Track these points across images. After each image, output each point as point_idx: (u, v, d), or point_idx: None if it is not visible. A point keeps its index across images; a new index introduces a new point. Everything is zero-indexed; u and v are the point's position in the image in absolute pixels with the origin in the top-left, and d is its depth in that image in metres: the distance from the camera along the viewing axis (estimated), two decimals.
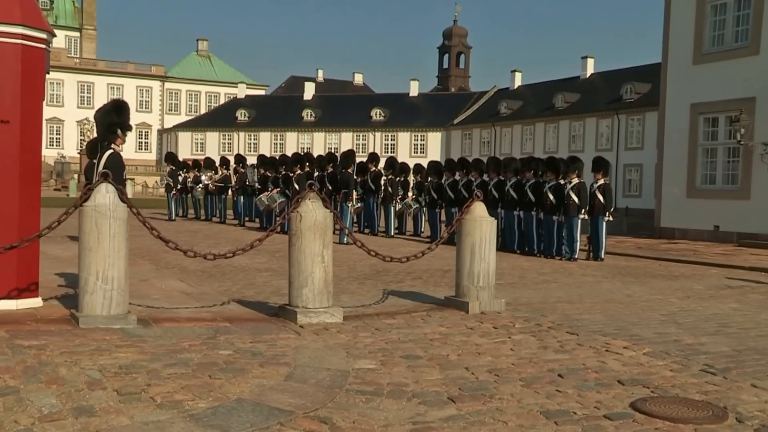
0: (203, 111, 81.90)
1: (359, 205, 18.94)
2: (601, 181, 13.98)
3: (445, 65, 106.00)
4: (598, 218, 13.82)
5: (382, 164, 19.88)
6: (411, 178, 20.53)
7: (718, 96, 18.44)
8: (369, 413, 4.02)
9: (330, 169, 17.75)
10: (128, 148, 68.17)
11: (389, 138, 68.21)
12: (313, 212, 6.58)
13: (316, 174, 17.80)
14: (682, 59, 19.78)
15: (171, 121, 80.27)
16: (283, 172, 18.71)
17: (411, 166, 20.91)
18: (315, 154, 22.35)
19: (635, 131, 50.28)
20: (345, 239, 14.60)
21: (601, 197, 13.81)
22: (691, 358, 5.55)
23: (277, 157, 21.78)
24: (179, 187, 24.72)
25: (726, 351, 5.88)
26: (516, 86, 66.09)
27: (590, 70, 60.19)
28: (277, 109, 73.45)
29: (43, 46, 6.47)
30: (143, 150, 79.74)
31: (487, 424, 3.93)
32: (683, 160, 19.56)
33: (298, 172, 17.40)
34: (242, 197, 22.58)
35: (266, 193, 19.09)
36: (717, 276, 11.64)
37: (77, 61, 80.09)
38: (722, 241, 17.81)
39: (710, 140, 19.22)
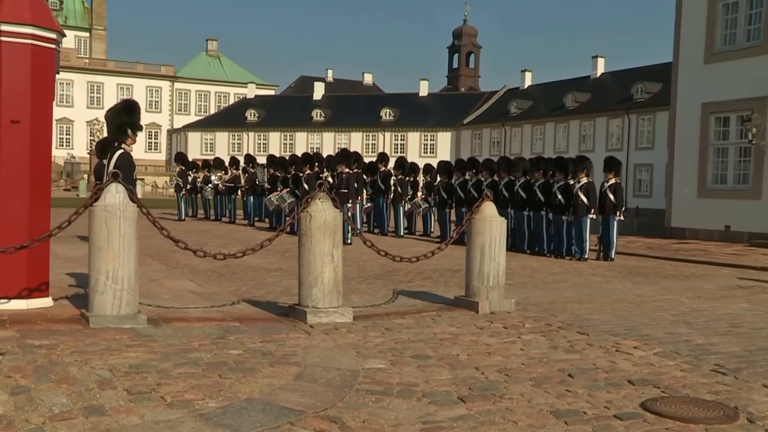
0: (213, 111, 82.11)
1: (369, 205, 18.95)
2: (612, 181, 13.93)
3: (455, 65, 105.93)
4: (609, 218, 13.77)
5: (391, 164, 19.89)
6: (420, 178, 20.52)
7: (730, 95, 18.34)
8: (379, 413, 4.01)
9: (339, 170, 17.73)
10: (138, 149, 68.01)
11: (399, 138, 68.18)
12: (323, 212, 6.58)
13: (325, 174, 17.80)
14: (693, 58, 19.69)
15: (180, 121, 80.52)
16: (293, 172, 18.73)
17: (420, 166, 20.90)
18: (325, 154, 22.37)
19: (646, 131, 50.09)
20: (349, 238, 14.57)
21: (612, 197, 13.76)
22: (701, 358, 5.52)
23: (287, 157, 21.80)
24: (189, 187, 24.79)
25: (737, 351, 5.84)
26: (526, 86, 65.96)
27: (601, 69, 60.01)
28: (286, 109, 73.57)
29: (53, 46, 6.49)
30: (153, 150, 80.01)
31: (497, 423, 3.92)
32: (694, 159, 19.47)
33: (308, 172, 17.40)
34: (252, 197, 22.61)
35: (276, 193, 19.11)
36: (728, 276, 11.58)
37: (87, 61, 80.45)
38: (733, 241, 17.71)
39: (721, 140, 19.12)
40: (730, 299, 8.97)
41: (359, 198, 16.48)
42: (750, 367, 5.30)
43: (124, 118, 7.95)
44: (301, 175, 17.75)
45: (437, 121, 67.53)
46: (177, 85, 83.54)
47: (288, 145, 68.47)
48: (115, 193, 5.89)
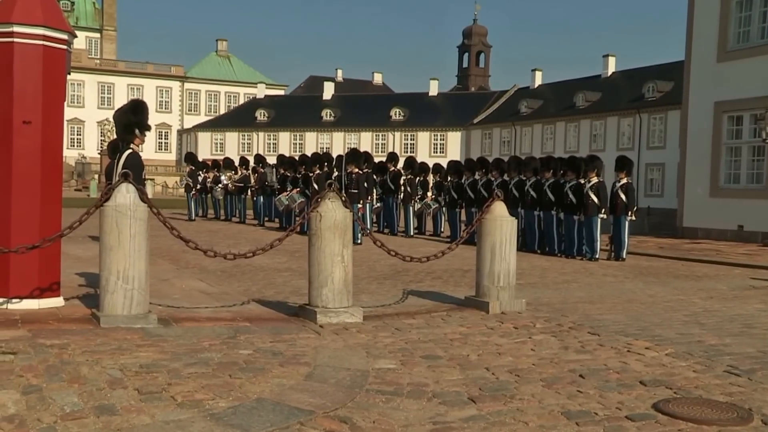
0: (223, 111, 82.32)
1: (378, 205, 18.94)
2: (624, 180, 13.85)
3: (465, 64, 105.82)
4: (620, 218, 13.70)
5: (401, 164, 19.87)
6: (430, 178, 20.50)
7: (743, 94, 18.21)
8: (389, 413, 4.00)
9: (349, 170, 17.73)
10: (148, 149, 68.86)
11: (409, 138, 68.16)
12: (333, 212, 6.57)
13: (335, 174, 17.79)
14: (705, 57, 19.57)
15: (191, 121, 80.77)
16: (303, 172, 18.74)
17: (430, 165, 20.87)
18: (334, 154, 22.39)
19: (657, 130, 49.87)
20: (359, 238, 14.57)
21: (623, 196, 13.69)
22: (714, 359, 5.47)
23: (297, 157, 21.82)
24: (199, 187, 24.84)
25: (751, 352, 5.79)
26: (536, 85, 65.80)
27: (612, 68, 59.79)
28: (296, 109, 73.66)
29: (64, 47, 6.51)
30: (163, 150, 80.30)
31: (508, 424, 3.90)
32: (706, 159, 19.35)
33: (318, 171, 17.42)
34: (262, 197, 22.64)
35: (285, 193, 19.12)
36: (741, 276, 11.49)
37: (98, 62, 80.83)
38: (746, 241, 17.59)
39: (734, 139, 19.00)
40: (744, 300, 8.91)
41: (369, 198, 16.48)
42: (764, 368, 5.25)
43: (131, 118, 7.96)
44: (310, 175, 17.76)
45: (447, 120, 67.46)
46: (187, 85, 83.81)
47: (298, 145, 68.59)
48: (125, 193, 5.90)
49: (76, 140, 75.98)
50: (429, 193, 19.98)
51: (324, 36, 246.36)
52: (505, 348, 5.72)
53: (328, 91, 76.11)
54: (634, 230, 15.71)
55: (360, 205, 15.39)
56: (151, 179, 49.10)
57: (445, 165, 19.78)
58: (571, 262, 13.06)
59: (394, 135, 68.44)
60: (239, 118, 74.86)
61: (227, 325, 6.12)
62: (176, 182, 53.96)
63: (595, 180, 13.67)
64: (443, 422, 3.89)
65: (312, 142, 68.55)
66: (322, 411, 3.94)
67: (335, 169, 18.11)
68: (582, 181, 13.79)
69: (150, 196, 7.04)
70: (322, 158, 18.72)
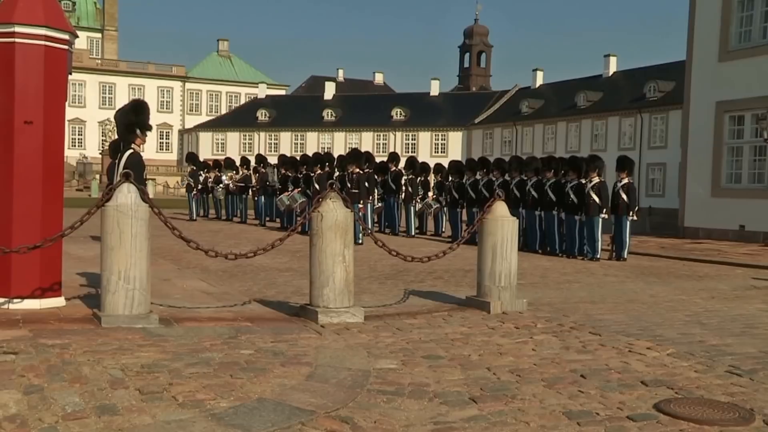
0: (224, 111, 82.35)
1: (380, 204, 18.94)
2: (625, 180, 13.85)
3: (466, 64, 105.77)
4: (622, 218, 13.70)
5: (402, 164, 19.87)
6: (431, 178, 20.50)
7: (744, 94, 18.20)
8: (390, 413, 4.00)
9: (350, 170, 17.72)
10: (149, 149, 68.90)
11: (410, 137, 68.14)
12: (334, 212, 6.57)
13: (336, 174, 17.79)
14: (707, 56, 19.55)
15: (192, 121, 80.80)
16: (304, 172, 18.74)
17: (432, 165, 20.88)
18: (336, 154, 22.41)
19: (659, 130, 49.81)
20: (360, 238, 14.57)
21: (625, 196, 13.68)
22: (716, 359, 5.47)
23: (298, 157, 21.82)
24: (200, 187, 24.86)
25: (752, 352, 5.78)
26: (537, 85, 65.75)
27: (613, 68, 59.72)
28: (297, 109, 73.65)
29: (66, 47, 6.51)
30: (164, 150, 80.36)
31: (509, 424, 3.89)
32: (708, 158, 19.34)
33: (319, 171, 17.42)
34: (263, 197, 22.66)
35: (287, 193, 19.13)
36: (742, 276, 11.49)
37: (99, 62, 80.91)
38: (748, 241, 17.58)
39: (736, 138, 18.99)
40: (745, 300, 8.90)
41: (370, 198, 16.47)
42: (766, 368, 5.24)
43: (132, 118, 7.97)
44: (312, 175, 17.76)
45: (448, 120, 67.43)
46: (188, 85, 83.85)
47: (299, 145, 68.56)
48: (126, 193, 5.91)
49: (77, 140, 76.06)
50: (430, 193, 19.99)
51: (325, 36, 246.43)
52: (507, 348, 5.71)
53: (330, 91, 76.10)
54: (635, 230, 15.71)
55: (361, 205, 15.39)
56: (152, 179, 49.14)
57: (446, 165, 19.79)
58: (572, 262, 13.06)
59: (395, 135, 68.43)
60: (240, 118, 74.88)
61: (228, 325, 6.12)
62: (177, 182, 54.01)
63: (596, 180, 13.66)
64: (444, 422, 3.89)
65: (313, 142, 68.54)
66: (323, 411, 3.94)
67: (336, 169, 18.10)
68: (583, 181, 13.79)
69: (151, 196, 7.04)
70: (323, 158, 18.71)
